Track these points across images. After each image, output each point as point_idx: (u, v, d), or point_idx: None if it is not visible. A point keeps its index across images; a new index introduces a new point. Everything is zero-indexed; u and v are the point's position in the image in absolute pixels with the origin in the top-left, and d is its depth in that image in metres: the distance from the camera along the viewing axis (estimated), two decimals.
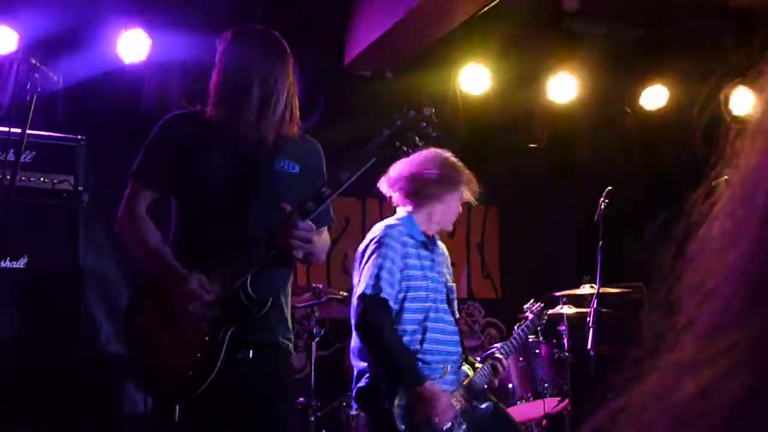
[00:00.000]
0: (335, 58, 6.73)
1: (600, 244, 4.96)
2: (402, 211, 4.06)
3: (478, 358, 4.22)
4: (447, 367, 3.90)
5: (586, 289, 5.42)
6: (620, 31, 7.01)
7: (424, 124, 3.00)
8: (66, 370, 4.68)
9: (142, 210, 3.12)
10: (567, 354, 5.35)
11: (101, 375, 5.05)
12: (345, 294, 5.13)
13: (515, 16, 6.24)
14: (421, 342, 3.86)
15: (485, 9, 5.83)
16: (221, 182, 3.05)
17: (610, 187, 5.02)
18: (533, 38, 6.94)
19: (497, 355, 4.15)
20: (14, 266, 4.60)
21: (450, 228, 4.22)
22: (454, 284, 4.15)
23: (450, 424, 3.76)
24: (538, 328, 4.84)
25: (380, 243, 3.87)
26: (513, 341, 4.40)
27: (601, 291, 5.06)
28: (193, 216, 3.10)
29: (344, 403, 5.08)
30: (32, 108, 3.55)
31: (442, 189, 4.02)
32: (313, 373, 5.14)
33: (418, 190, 4.00)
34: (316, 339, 5.03)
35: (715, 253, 0.62)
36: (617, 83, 7.39)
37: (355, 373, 3.94)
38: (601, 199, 5.02)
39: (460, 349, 4.01)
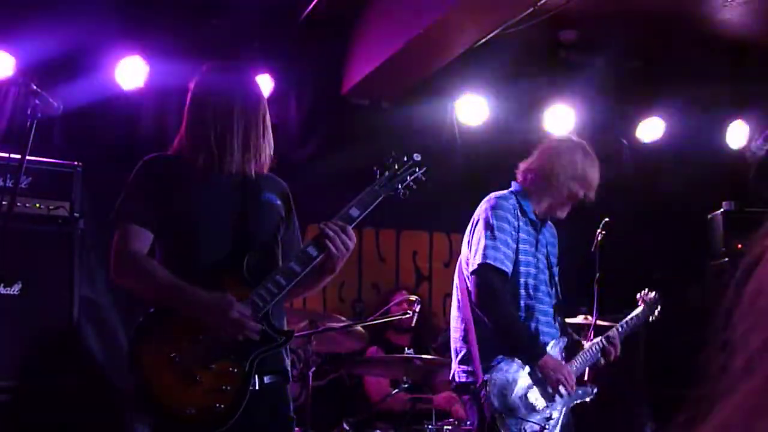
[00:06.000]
0: (333, 86, 6.75)
1: (597, 276, 4.92)
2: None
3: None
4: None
5: (579, 319, 5.39)
6: (617, 63, 7.04)
7: (417, 169, 3.22)
8: (59, 398, 4.64)
9: (140, 249, 2.97)
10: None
11: (95, 402, 4.99)
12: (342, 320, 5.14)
13: (512, 48, 6.27)
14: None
15: (483, 41, 5.85)
16: (213, 215, 3.03)
17: (607, 219, 4.99)
18: (530, 69, 6.98)
19: (610, 334, 4.24)
20: (8, 292, 4.57)
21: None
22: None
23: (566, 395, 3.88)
24: (650, 320, 4.70)
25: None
26: (621, 328, 4.38)
27: (597, 323, 5.02)
28: (185, 252, 3.02)
29: None
30: (32, 134, 3.52)
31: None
32: (309, 403, 5.08)
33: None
34: (312, 369, 4.97)
35: None
36: (614, 115, 7.42)
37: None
38: (598, 230, 5.00)
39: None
